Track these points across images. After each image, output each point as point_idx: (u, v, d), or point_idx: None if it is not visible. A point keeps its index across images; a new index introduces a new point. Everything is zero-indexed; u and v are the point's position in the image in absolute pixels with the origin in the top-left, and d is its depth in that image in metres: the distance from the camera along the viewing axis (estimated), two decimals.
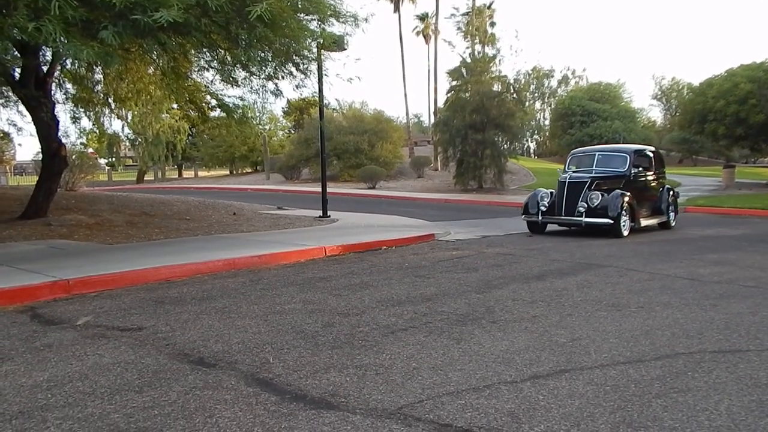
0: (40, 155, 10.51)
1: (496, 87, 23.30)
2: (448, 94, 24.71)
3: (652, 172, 10.89)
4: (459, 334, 3.89)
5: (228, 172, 44.03)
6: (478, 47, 27.44)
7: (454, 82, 23.89)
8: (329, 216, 12.01)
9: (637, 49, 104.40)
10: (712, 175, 28.51)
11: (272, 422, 2.58)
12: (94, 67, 10.66)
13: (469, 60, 24.48)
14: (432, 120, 37.38)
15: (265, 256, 6.91)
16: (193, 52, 9.14)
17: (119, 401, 2.82)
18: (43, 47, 8.39)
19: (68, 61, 10.09)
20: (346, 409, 2.72)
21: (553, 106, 52.87)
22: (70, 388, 2.99)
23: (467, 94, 22.88)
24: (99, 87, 12.47)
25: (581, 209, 9.46)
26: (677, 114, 52.14)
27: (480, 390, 2.93)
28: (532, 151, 57.89)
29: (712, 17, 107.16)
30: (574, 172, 10.44)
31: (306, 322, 4.21)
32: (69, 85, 12.17)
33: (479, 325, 4.13)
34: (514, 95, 24.03)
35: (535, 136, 58.36)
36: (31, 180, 26.48)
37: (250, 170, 42.30)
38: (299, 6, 7.84)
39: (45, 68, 9.86)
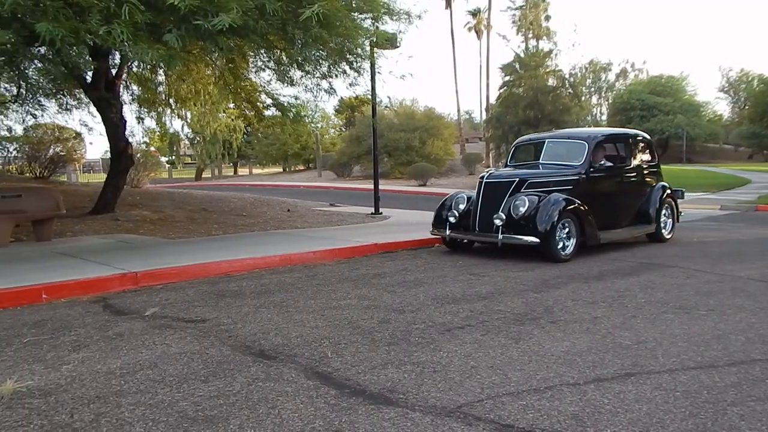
0: (108, 154, 11.03)
1: (551, 82, 22.84)
2: (501, 90, 24.44)
3: (630, 166, 8.06)
4: (517, 334, 3.83)
5: (281, 170, 44.92)
6: (532, 42, 26.91)
7: (507, 78, 23.60)
8: (381, 213, 12.06)
9: (702, 40, 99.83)
10: None
11: (333, 416, 2.62)
12: (158, 68, 11.08)
13: (522, 55, 24.08)
14: (484, 116, 36.98)
15: (319, 252, 7.01)
16: (251, 54, 9.36)
17: (187, 390, 2.93)
18: (113, 50, 8.76)
19: (134, 64, 10.53)
20: (405, 406, 2.73)
21: (610, 101, 51.26)
22: (141, 375, 3.13)
23: (520, 90, 22.56)
24: (161, 88, 12.97)
25: (497, 222, 6.67)
26: (746, 107, 49.60)
27: (541, 391, 2.88)
28: None
29: None
30: (507, 168, 8.11)
31: (362, 318, 4.25)
32: (134, 87, 12.72)
33: (538, 324, 4.05)
34: (570, 90, 23.51)
35: None
36: (99, 177, 27.81)
37: (302, 167, 43.03)
38: (353, 5, 7.90)
39: (114, 71, 10.31)
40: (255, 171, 46.98)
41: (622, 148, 8.27)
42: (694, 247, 7.81)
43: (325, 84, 9.70)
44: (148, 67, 10.75)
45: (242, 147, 39.30)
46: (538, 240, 6.51)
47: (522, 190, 6.94)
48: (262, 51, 8.96)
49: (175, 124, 17.50)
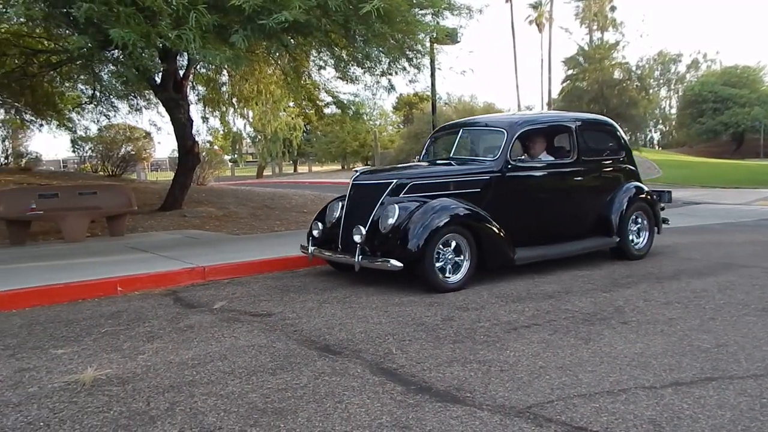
0: (175, 152, 11.48)
1: (617, 74, 21.99)
2: (564, 84, 23.83)
3: (577, 161, 6.08)
4: (587, 334, 3.70)
5: (340, 167, 45.46)
6: (597, 34, 26.01)
7: (570, 71, 22.95)
8: None
9: None
10: None
11: (399, 412, 2.61)
12: (222, 69, 11.43)
13: (586, 47, 23.32)
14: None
15: None
16: (313, 52, 9.49)
17: (256, 382, 2.99)
18: (181, 52, 9.08)
19: (200, 65, 10.89)
20: (472, 405, 2.68)
21: (680, 93, 48.96)
22: (211, 367, 3.22)
23: (584, 83, 21.85)
24: (225, 88, 13.37)
25: (356, 238, 5.01)
26: None
27: (615, 394, 2.77)
28: (655, 141, 54.01)
29: None
30: (420, 164, 6.37)
31: (425, 315, 4.22)
32: (200, 88, 13.17)
33: (608, 325, 3.90)
34: (637, 83, 22.55)
35: (660, 126, 54.41)
36: (166, 175, 28.98)
37: (360, 165, 43.43)
38: (414, 1, 7.87)
39: (181, 72, 10.70)
40: (314, 168, 47.74)
41: (566, 139, 6.29)
42: None
43: (384, 81, 9.73)
44: (213, 68, 11.11)
45: (302, 145, 40.00)
46: (401, 264, 4.82)
47: (402, 195, 5.25)
48: (324, 48, 9.06)
49: (238, 123, 18.00)
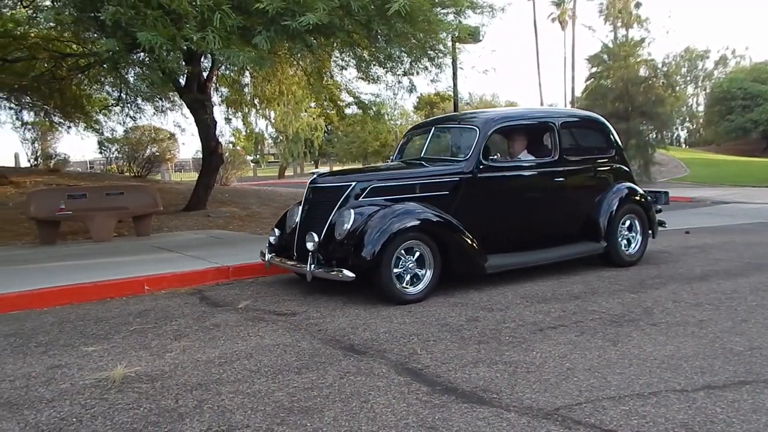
0: (198, 153, 11.63)
1: (643, 72, 21.58)
2: (587, 82, 23.47)
3: (560, 160, 5.61)
4: (615, 336, 3.64)
5: (361, 167, 45.55)
6: (621, 31, 25.58)
7: (594, 69, 22.58)
8: None
9: None
10: None
11: (426, 412, 2.60)
12: (245, 70, 11.53)
13: (611, 45, 22.92)
14: None
15: None
16: (336, 53, 9.52)
17: (281, 381, 3.00)
18: (205, 54, 9.19)
19: (224, 66, 11.01)
20: (499, 406, 2.66)
21: (708, 91, 47.98)
22: (238, 365, 3.25)
23: (608, 81, 21.51)
24: (247, 89, 13.50)
25: (309, 245, 4.68)
26: None
27: (645, 397, 2.72)
28: (682, 140, 53.03)
29: None
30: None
31: (450, 315, 4.20)
32: (223, 89, 13.31)
33: (637, 326, 3.83)
34: (663, 80, 22.12)
35: (687, 124, 53.40)
36: (189, 176, 29.34)
37: (381, 164, 43.44)
38: (436, 0, 7.84)
39: (205, 74, 10.82)
40: (336, 168, 47.96)
41: (548, 137, 5.83)
42: None
43: (405, 81, 9.72)
44: (236, 69, 11.22)
45: (323, 145, 40.14)
46: (353, 275, 4.46)
47: (363, 198, 4.89)
48: (346, 49, 9.09)
49: (260, 124, 18.14)
